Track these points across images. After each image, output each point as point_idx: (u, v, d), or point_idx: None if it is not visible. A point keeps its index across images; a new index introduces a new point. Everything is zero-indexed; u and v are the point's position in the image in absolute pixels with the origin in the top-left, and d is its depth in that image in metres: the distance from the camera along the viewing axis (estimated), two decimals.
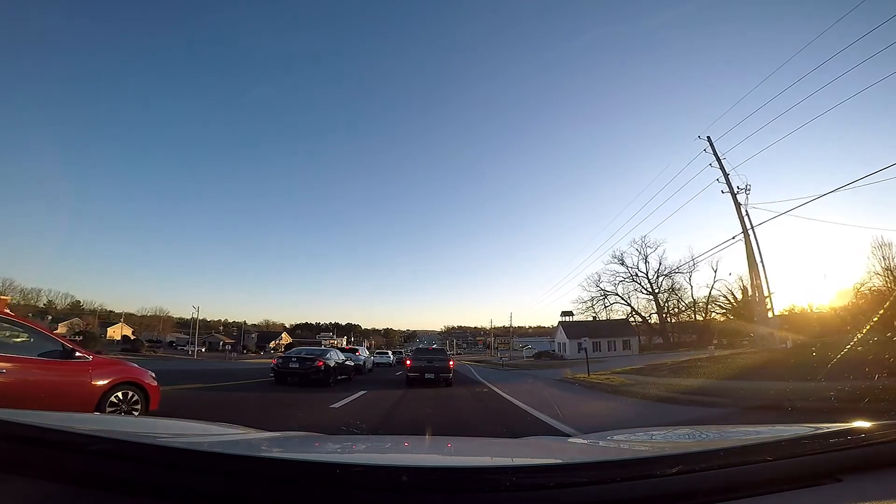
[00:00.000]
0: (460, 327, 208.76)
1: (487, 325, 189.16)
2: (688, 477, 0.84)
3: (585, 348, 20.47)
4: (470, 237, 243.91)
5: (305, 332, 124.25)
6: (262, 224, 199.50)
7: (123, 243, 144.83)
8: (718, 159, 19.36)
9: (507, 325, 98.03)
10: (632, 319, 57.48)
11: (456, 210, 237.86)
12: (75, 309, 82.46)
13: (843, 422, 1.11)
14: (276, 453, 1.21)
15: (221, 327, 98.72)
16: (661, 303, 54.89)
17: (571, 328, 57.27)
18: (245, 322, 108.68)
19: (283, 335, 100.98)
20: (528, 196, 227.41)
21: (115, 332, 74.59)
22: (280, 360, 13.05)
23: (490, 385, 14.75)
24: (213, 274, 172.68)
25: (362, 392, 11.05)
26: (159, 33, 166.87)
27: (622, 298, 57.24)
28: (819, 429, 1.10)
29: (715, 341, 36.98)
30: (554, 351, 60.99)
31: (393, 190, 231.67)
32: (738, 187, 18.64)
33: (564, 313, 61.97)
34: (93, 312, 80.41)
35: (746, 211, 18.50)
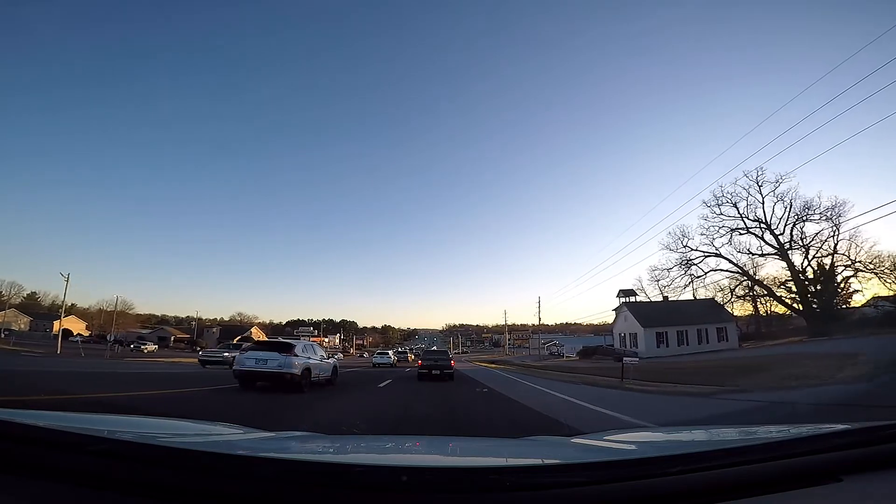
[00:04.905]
0: (462, 325, 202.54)
1: (490, 323, 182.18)
2: (688, 477, 0.84)
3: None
4: (472, 235, 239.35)
5: (300, 329, 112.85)
6: (259, 221, 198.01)
7: (126, 243, 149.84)
8: None
9: (513, 321, 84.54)
10: (721, 296, 38.38)
11: (457, 210, 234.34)
12: (31, 300, 78.61)
13: (843, 422, 1.10)
14: (277, 453, 1.20)
15: (193, 323, 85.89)
16: (795, 267, 32.57)
17: (645, 312, 39.50)
18: (251, 319, 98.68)
19: (252, 330, 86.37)
20: (529, 195, 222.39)
21: (66, 325, 65.49)
22: None
23: None
24: (207, 273, 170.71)
25: None
26: (161, 33, 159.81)
27: (733, 263, 35.21)
28: (819, 429, 1.10)
29: None
30: (611, 346, 44.26)
31: (392, 188, 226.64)
32: None
33: (625, 292, 44.70)
34: (51, 306, 75.85)
35: None
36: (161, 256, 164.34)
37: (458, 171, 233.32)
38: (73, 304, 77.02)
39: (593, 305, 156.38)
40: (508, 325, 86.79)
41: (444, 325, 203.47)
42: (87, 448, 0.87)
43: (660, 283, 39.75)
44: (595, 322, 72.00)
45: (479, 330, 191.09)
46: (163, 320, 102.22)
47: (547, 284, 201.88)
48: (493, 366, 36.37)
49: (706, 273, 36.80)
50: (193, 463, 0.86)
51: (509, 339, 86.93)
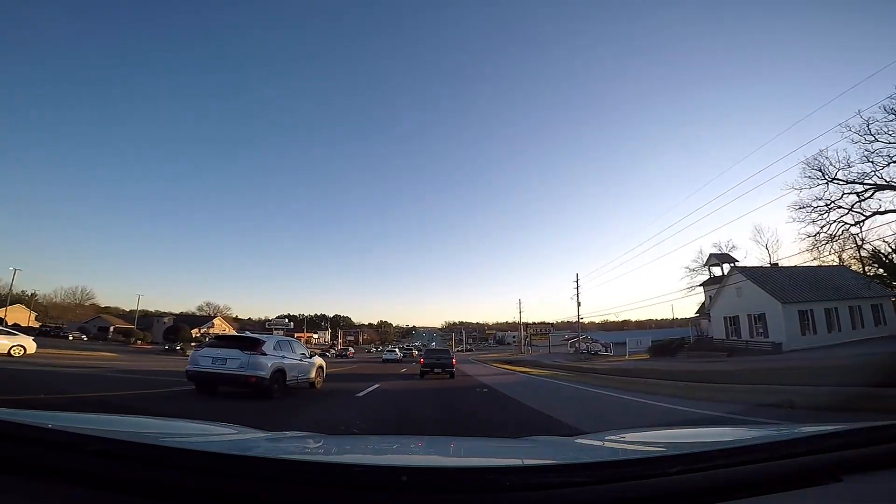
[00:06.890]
0: (462, 322, 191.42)
1: (491, 321, 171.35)
2: (688, 477, 0.85)
3: None
4: (473, 232, 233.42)
5: (272, 322, 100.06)
6: (255, 217, 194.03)
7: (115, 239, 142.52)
8: None
9: (515, 319, 72.06)
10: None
11: (457, 208, 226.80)
12: None
13: (843, 422, 1.11)
14: (277, 454, 1.20)
15: (170, 316, 72.46)
16: None
17: (775, 282, 26.80)
18: (222, 310, 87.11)
19: (215, 321, 72.38)
20: (529, 195, 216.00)
21: (11, 315, 57.08)
22: None
23: None
24: (201, 270, 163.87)
25: None
26: (163, 34, 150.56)
27: None
28: (819, 429, 1.11)
29: None
30: (702, 337, 32.21)
31: (389, 188, 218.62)
32: None
33: (718, 256, 32.42)
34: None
35: None
36: (148, 252, 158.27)
37: (458, 168, 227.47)
38: (33, 294, 70.40)
39: (597, 303, 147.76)
40: (505, 324, 74.20)
41: (444, 323, 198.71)
42: (87, 448, 0.86)
43: (759, 248, 26.60)
44: (597, 320, 69.55)
45: (481, 328, 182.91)
46: (148, 315, 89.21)
47: (550, 283, 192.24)
48: (535, 371, 22.71)
49: (867, 217, 22.50)
50: (193, 463, 0.86)
51: (527, 337, 74.11)
